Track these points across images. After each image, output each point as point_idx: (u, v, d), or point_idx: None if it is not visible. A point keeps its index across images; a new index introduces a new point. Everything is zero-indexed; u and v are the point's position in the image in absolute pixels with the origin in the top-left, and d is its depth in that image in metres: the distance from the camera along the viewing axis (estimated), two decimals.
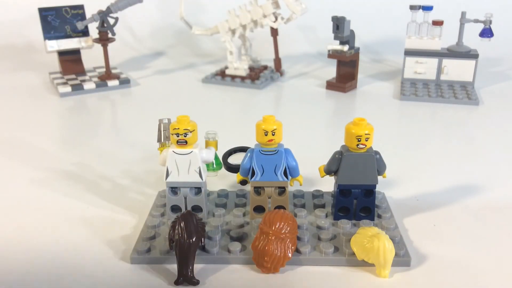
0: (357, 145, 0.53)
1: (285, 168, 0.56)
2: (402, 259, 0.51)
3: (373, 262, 0.49)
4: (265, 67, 1.19)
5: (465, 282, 0.49)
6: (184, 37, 1.45)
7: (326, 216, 0.58)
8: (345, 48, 1.04)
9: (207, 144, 0.62)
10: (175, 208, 0.57)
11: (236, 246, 0.52)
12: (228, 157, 0.70)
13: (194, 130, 0.54)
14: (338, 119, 0.95)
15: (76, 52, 1.16)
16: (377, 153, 0.55)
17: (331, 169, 0.56)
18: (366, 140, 0.53)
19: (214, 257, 0.51)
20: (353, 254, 0.50)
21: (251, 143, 0.59)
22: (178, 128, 0.53)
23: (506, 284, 0.48)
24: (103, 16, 1.07)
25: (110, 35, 1.10)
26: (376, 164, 0.55)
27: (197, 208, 0.57)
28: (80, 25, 1.09)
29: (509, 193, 0.65)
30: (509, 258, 0.52)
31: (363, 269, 0.50)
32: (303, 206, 0.60)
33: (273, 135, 0.54)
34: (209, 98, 1.07)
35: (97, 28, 1.08)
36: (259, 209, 0.58)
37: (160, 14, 1.51)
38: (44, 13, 1.10)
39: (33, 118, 0.94)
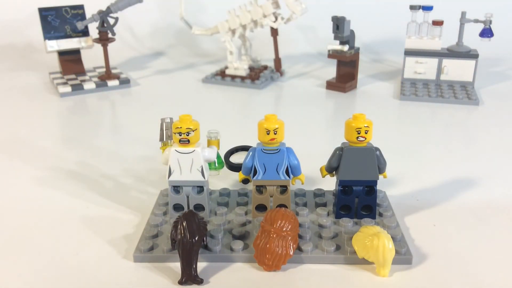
0: (357, 137, 0.53)
1: (287, 167, 0.56)
2: (404, 257, 0.51)
3: (373, 261, 0.49)
4: (265, 67, 1.19)
5: (465, 280, 0.49)
6: (184, 37, 1.45)
7: (328, 214, 0.58)
8: (345, 48, 1.04)
9: (209, 143, 0.62)
10: (177, 207, 0.57)
11: (238, 245, 0.52)
12: (230, 156, 0.70)
13: (196, 129, 0.54)
14: (338, 119, 0.96)
15: (76, 52, 1.16)
16: (377, 149, 0.55)
17: (332, 165, 0.56)
18: (366, 133, 0.53)
19: (217, 255, 0.51)
20: (355, 252, 0.50)
21: (252, 142, 0.59)
22: (181, 127, 0.53)
23: (506, 283, 0.49)
24: (103, 16, 1.08)
25: (110, 35, 1.10)
26: (376, 159, 0.55)
27: (199, 207, 0.57)
28: (80, 25, 1.09)
29: (509, 192, 0.65)
30: (509, 257, 0.52)
31: (364, 268, 0.50)
32: (304, 204, 0.60)
33: (275, 134, 0.54)
34: (209, 98, 1.07)
35: (97, 28, 1.08)
36: (261, 207, 0.58)
37: (160, 14, 1.52)
38: (44, 13, 1.10)
39: (33, 118, 0.94)
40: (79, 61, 1.17)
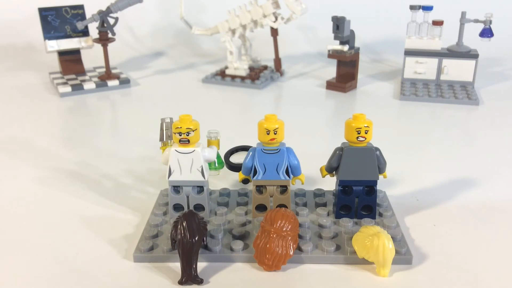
0: (357, 137, 0.53)
1: (287, 167, 0.56)
2: (404, 257, 0.51)
3: (373, 261, 0.49)
4: (265, 67, 1.19)
5: (465, 281, 0.49)
6: (184, 37, 1.45)
7: (328, 214, 0.58)
8: (345, 48, 1.04)
9: (209, 143, 0.62)
10: (177, 207, 0.57)
11: (238, 245, 0.52)
12: (230, 156, 0.70)
13: (196, 129, 0.54)
14: (338, 119, 0.95)
15: (76, 52, 1.16)
16: (377, 149, 0.55)
17: (333, 165, 0.56)
18: (366, 133, 0.53)
19: (217, 255, 0.51)
20: (354, 252, 0.50)
21: (252, 142, 0.59)
22: (181, 127, 0.53)
23: (506, 283, 0.49)
24: (103, 16, 1.08)
25: (110, 35, 1.10)
26: (376, 159, 0.55)
27: (199, 207, 0.57)
28: (80, 25, 1.09)
29: (509, 192, 0.65)
30: (509, 257, 0.52)
31: (364, 268, 0.50)
32: (304, 204, 0.60)
33: (275, 134, 0.54)
34: (209, 98, 1.07)
35: (97, 28, 1.08)
36: (261, 207, 0.58)
37: (160, 14, 1.52)
38: (44, 13, 1.10)
39: (33, 118, 0.94)
40: (79, 61, 1.17)
